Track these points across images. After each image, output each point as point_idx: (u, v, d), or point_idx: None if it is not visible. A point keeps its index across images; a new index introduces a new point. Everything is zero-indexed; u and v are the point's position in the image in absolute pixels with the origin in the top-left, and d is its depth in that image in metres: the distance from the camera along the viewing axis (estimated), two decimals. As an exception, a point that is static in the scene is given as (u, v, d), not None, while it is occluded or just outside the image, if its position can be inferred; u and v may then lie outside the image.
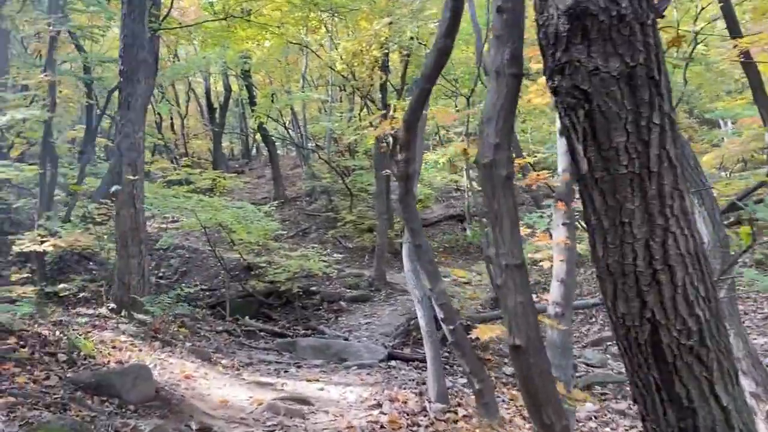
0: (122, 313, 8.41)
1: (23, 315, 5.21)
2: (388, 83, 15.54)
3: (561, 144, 4.54)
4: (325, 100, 21.24)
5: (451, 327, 3.31)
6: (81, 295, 9.10)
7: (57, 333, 5.50)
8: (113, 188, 8.51)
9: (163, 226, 18.75)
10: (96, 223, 10.16)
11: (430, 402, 5.41)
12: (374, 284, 14.43)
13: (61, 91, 9.65)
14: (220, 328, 9.68)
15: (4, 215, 11.52)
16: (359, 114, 18.22)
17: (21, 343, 4.89)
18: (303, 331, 10.92)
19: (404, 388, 6.09)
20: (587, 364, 8.64)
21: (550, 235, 4.11)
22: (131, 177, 8.51)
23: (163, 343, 7.14)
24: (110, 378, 4.69)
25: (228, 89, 23.54)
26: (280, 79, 21.18)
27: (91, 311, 8.48)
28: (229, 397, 5.45)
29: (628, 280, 2.23)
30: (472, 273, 14.52)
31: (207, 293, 13.68)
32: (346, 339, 9.57)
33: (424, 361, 7.97)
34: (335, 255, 14.97)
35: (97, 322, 7.19)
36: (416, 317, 9.44)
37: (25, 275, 9.85)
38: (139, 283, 8.62)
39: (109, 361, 5.39)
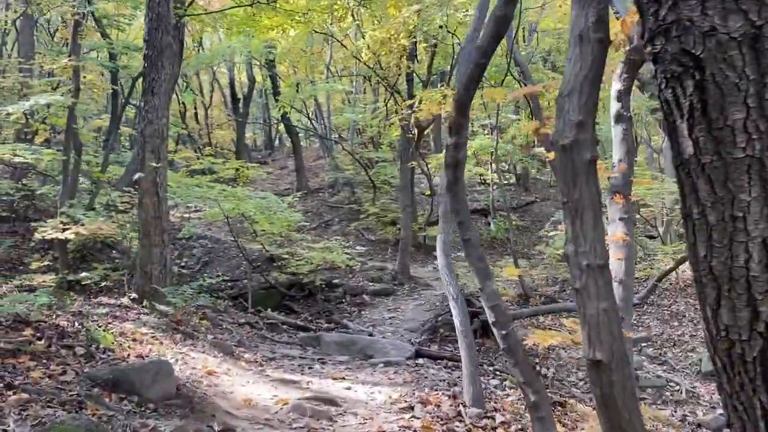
0: (144, 303, 8.18)
1: (41, 305, 4.95)
2: (414, 73, 15.15)
3: (617, 132, 4.14)
4: (349, 92, 20.90)
5: (504, 332, 2.96)
6: (103, 284, 8.87)
7: (76, 324, 5.24)
8: (136, 176, 8.26)
9: (186, 215, 18.59)
10: (119, 212, 9.94)
11: (465, 406, 5.06)
12: (397, 278, 14.11)
13: (85, 77, 9.41)
14: (243, 320, 9.41)
15: (27, 202, 11.37)
16: (386, 104, 17.85)
17: (38, 334, 4.63)
18: (326, 325, 10.63)
19: (436, 390, 5.74)
20: (622, 366, 8.24)
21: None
22: (154, 164, 8.25)
23: (184, 335, 6.87)
24: (129, 374, 4.41)
25: (252, 80, 23.29)
26: (304, 69, 20.87)
27: (112, 301, 8.25)
28: (252, 396, 5.15)
29: (736, 286, 1.83)
30: (496, 269, 14.11)
31: (229, 284, 13.48)
32: (371, 334, 9.25)
33: (453, 359, 7.64)
34: (358, 247, 14.65)
35: (117, 313, 6.94)
36: (443, 313, 9.14)
37: (47, 263, 9.70)
38: (161, 273, 8.37)
39: (128, 355, 5.12)
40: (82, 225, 8.94)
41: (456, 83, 5.78)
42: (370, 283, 13.98)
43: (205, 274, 15.63)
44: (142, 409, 4.25)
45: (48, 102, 8.42)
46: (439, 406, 5.14)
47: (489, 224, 19.30)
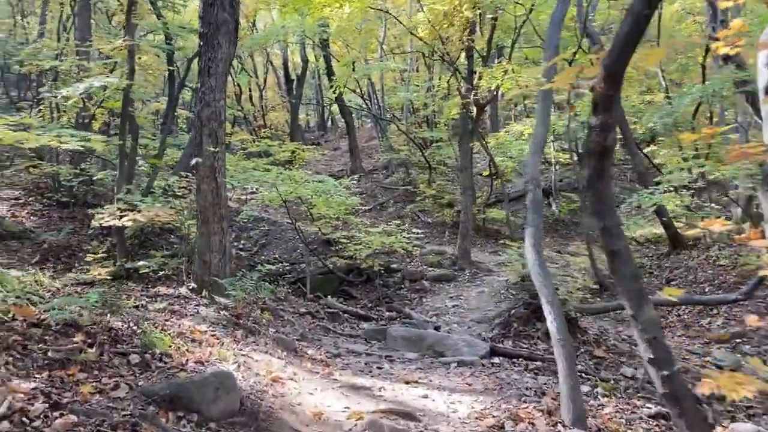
0: (203, 294, 7.69)
1: (93, 304, 4.43)
2: (474, 49, 14.17)
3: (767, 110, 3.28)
4: (404, 70, 20.02)
5: (666, 373, 2.21)
6: (161, 273, 8.43)
7: (131, 325, 4.71)
8: (193, 161, 7.72)
9: (243, 197, 18.25)
10: (177, 197, 9.48)
11: (564, 426, 4.32)
12: (458, 263, 13.34)
13: (140, 58, 8.91)
14: (303, 309, 8.86)
15: (86, 187, 11.08)
16: (447, 82, 16.91)
17: (89, 340, 4.10)
18: (387, 313, 9.99)
19: (524, 401, 5.00)
20: (718, 366, 7.29)
21: (753, 224, 2.88)
22: (212, 149, 7.69)
23: (245, 330, 6.32)
24: (189, 389, 3.83)
25: (305, 60, 22.66)
26: (358, 48, 20.08)
27: (170, 291, 7.79)
28: (322, 408, 4.53)
29: None
30: (565, 255, 13.18)
31: (287, 267, 13.02)
32: (437, 327, 8.55)
33: (531, 358, 6.87)
34: (414, 230, 13.85)
35: (176, 307, 6.44)
36: (516, 306, 8.35)
37: (104, 250, 9.35)
38: (221, 262, 7.86)
39: (187, 361, 4.57)
40: (139, 211, 8.50)
41: (608, 46, 4.99)
42: (429, 269, 13.27)
43: (263, 257, 15.37)
44: (203, 429, 3.67)
45: (103, 84, 7.94)
46: (533, 424, 4.41)
47: (551, 205, 18.26)
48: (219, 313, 6.67)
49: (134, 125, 9.83)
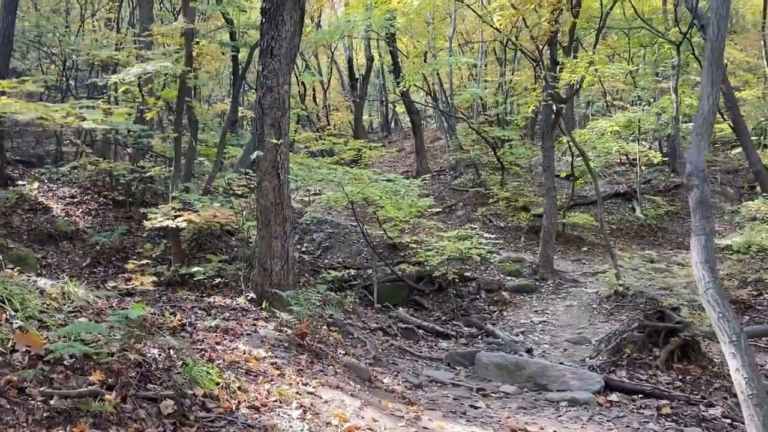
0: (263, 305, 6.63)
1: (124, 329, 3.36)
2: (557, 36, 12.66)
3: None
4: (473, 65, 18.63)
5: None
6: (217, 280, 7.43)
7: (171, 354, 3.62)
8: (254, 154, 6.66)
9: (306, 198, 17.32)
10: (238, 196, 8.50)
11: None
12: (539, 272, 11.88)
13: (198, 42, 7.94)
14: (374, 324, 7.66)
15: (144, 185, 10.27)
16: (529, 74, 15.43)
17: (110, 380, 3.03)
18: (466, 329, 8.68)
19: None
20: None
21: None
22: (274, 141, 6.61)
23: (311, 354, 5.17)
24: (236, 458, 2.69)
25: (370, 59, 21.58)
26: (425, 43, 18.83)
27: (227, 301, 6.76)
28: (414, 476, 3.31)
29: None
30: (669, 263, 11.52)
31: (351, 273, 11.90)
32: (530, 351, 7.19)
33: (656, 395, 5.43)
34: (486, 235, 12.47)
35: (230, 323, 5.36)
36: (629, 329, 6.87)
37: (157, 254, 8.45)
38: (283, 269, 6.76)
39: (238, 405, 3.44)
40: (195, 211, 7.54)
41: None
42: (508, 278, 11.86)
43: (326, 260, 14.33)
44: None
45: (156, 68, 7.01)
46: None
47: (634, 209, 16.47)
48: (280, 331, 5.55)
49: (193, 118, 8.92)
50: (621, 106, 17.88)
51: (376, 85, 26.91)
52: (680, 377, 6.03)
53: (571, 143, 14.59)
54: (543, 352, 7.34)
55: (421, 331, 7.96)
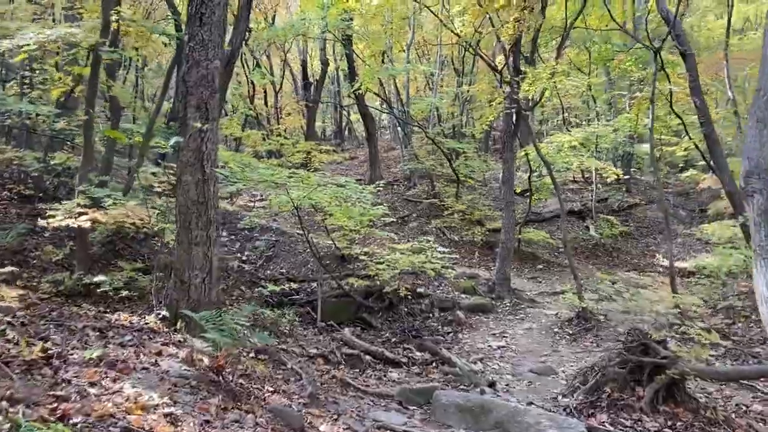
0: (177, 326, 5.32)
1: None
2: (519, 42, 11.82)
3: None
4: (431, 73, 17.72)
5: None
6: (125, 293, 6.06)
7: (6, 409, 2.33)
8: (172, 140, 5.38)
9: (251, 203, 15.92)
10: (159, 194, 7.14)
11: None
12: (495, 290, 10.91)
13: (118, 12, 6.48)
14: (314, 350, 6.40)
15: (56, 179, 8.74)
16: (486, 89, 14.62)
17: None
18: (419, 354, 7.53)
19: None
20: None
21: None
22: (199, 124, 5.35)
23: (227, 395, 3.92)
24: None
25: (325, 62, 20.41)
26: (383, 48, 17.80)
27: (135, 320, 5.43)
28: None
29: None
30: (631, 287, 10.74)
31: (294, 287, 10.64)
32: (492, 385, 6.10)
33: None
34: (439, 249, 11.43)
35: (126, 353, 4.05)
36: (611, 363, 5.86)
37: (58, 258, 6.99)
38: (205, 283, 5.47)
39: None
40: (104, 209, 6.16)
41: None
42: (462, 295, 10.83)
43: (268, 271, 12.96)
44: None
45: (61, 35, 5.62)
46: None
47: (588, 228, 15.80)
48: (191, 363, 4.27)
49: (115, 103, 7.51)
50: (577, 123, 17.32)
51: (331, 92, 25.74)
52: (669, 423, 5.05)
53: (527, 157, 13.80)
54: (506, 385, 6.28)
55: (368, 357, 6.76)
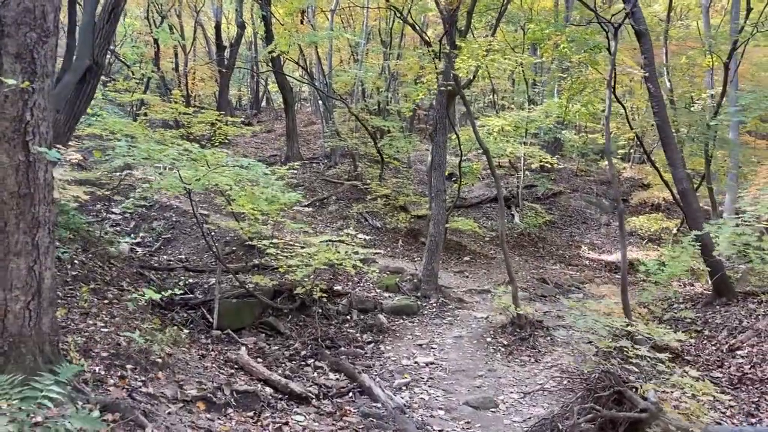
0: (-16, 372, 3.58)
1: None
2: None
3: None
4: (357, 43, 16.08)
5: None
6: None
7: None
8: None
9: (152, 177, 13.77)
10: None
11: None
12: (420, 288, 9.65)
13: None
14: (194, 389, 4.76)
15: None
16: (414, 66, 13.16)
17: None
18: (333, 379, 6.11)
19: None
20: None
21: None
22: (19, 81, 3.55)
23: None
24: None
25: (241, 26, 18.21)
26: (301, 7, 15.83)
27: None
28: None
29: None
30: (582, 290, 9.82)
31: (190, 281, 8.95)
32: (421, 429, 4.79)
33: None
34: (360, 236, 10.02)
35: None
36: (577, 421, 4.63)
37: None
38: (29, 308, 3.74)
39: None
40: None
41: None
42: (385, 294, 9.50)
43: (164, 256, 11.08)
44: None
45: None
46: None
47: (513, 216, 14.92)
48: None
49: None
50: (504, 105, 16.30)
51: (247, 58, 23.45)
52: None
53: (458, 141, 12.56)
54: (440, 431, 4.97)
55: (268, 390, 5.24)
